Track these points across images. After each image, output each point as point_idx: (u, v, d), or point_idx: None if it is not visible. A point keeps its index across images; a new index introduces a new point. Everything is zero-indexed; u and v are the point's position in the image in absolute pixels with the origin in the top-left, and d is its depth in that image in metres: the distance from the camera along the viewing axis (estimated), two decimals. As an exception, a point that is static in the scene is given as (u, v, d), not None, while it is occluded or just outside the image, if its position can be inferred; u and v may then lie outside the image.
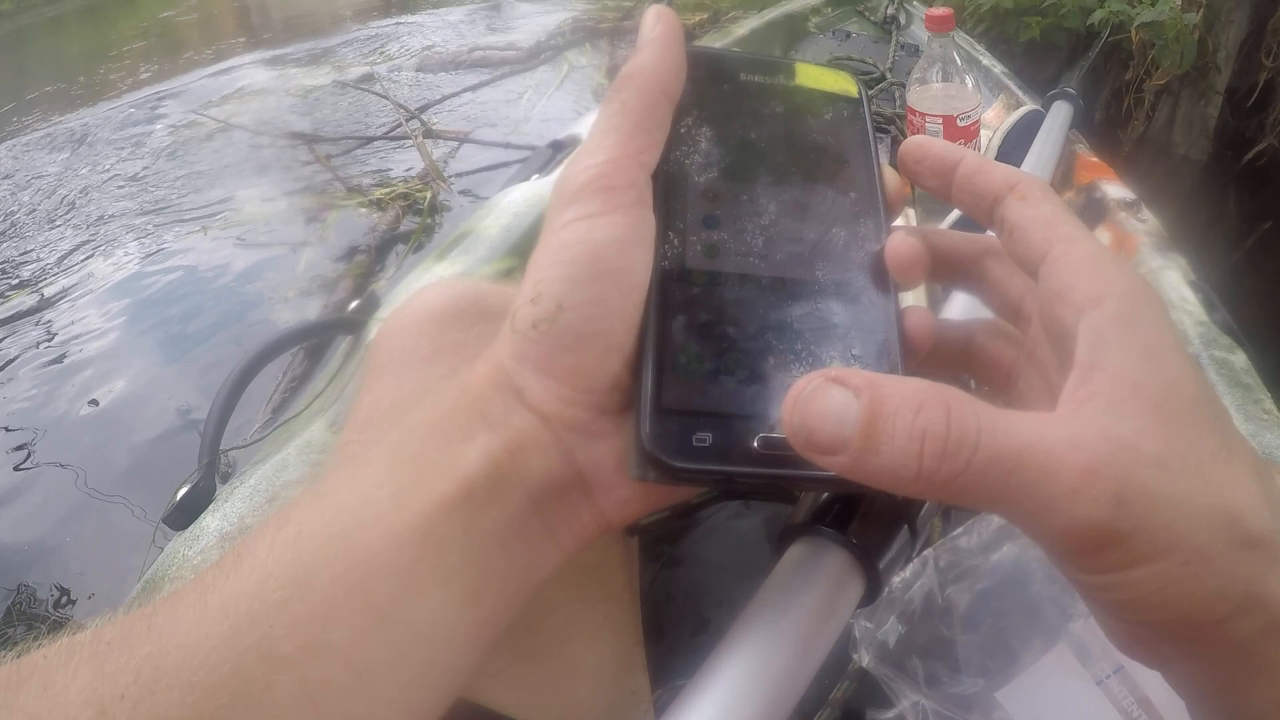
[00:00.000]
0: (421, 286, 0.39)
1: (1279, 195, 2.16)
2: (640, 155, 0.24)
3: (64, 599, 1.41)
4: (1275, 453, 0.53)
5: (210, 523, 0.55)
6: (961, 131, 0.87)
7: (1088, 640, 0.37)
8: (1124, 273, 0.22)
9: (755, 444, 0.22)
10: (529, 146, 1.77)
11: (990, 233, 0.26)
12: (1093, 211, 0.86)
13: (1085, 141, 0.98)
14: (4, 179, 3.20)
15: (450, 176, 2.55)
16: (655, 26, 0.26)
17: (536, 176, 1.01)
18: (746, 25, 1.55)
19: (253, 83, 3.74)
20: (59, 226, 2.70)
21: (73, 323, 2.13)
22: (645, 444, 0.22)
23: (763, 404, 0.23)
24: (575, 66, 3.32)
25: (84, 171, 3.08)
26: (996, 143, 0.90)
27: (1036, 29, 2.58)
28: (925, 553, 0.41)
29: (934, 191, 0.27)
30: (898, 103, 1.19)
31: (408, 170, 2.61)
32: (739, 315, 0.24)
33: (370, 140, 2.86)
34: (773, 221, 0.26)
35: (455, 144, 2.76)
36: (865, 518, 0.26)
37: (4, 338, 2.13)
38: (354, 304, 0.79)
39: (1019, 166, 0.79)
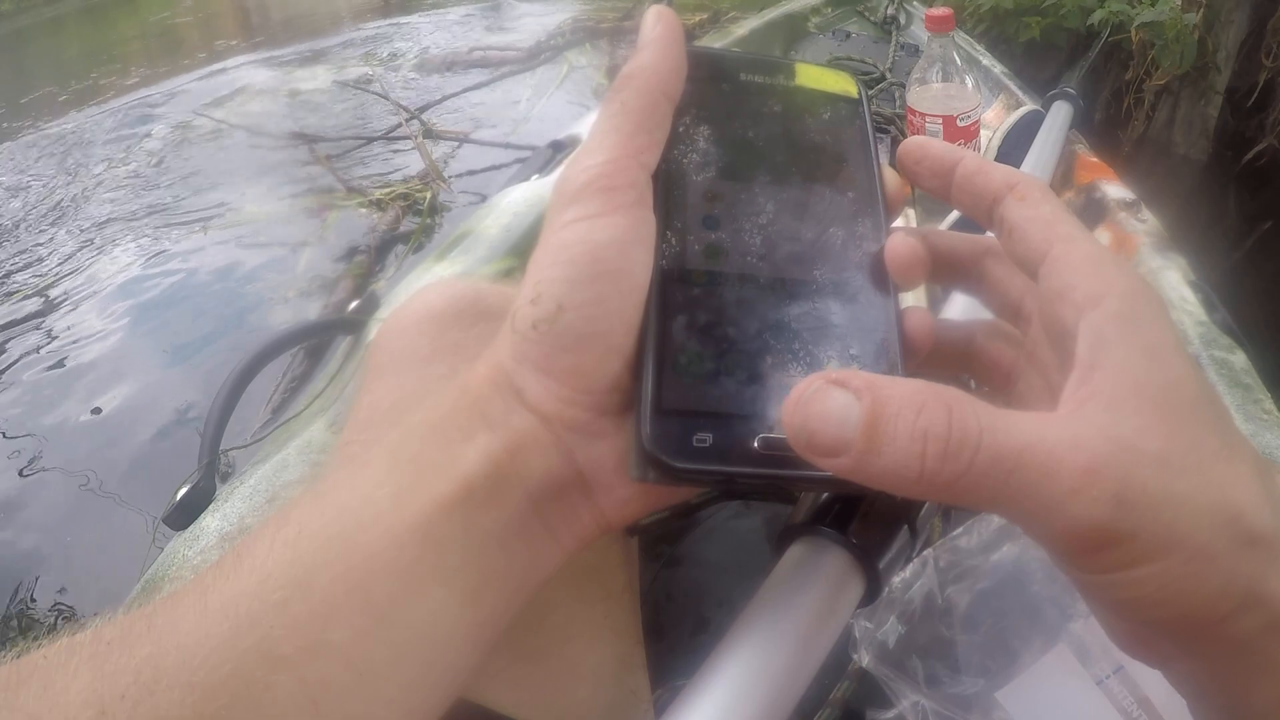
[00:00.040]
0: (421, 286, 0.39)
1: (1279, 195, 2.16)
2: (640, 155, 0.24)
3: (63, 599, 1.41)
4: (1275, 453, 0.53)
5: (210, 523, 0.55)
6: (961, 131, 0.87)
7: (1088, 640, 0.37)
8: (1124, 272, 0.22)
9: (755, 444, 0.22)
10: (529, 146, 1.77)
11: (989, 233, 0.26)
12: (1093, 211, 0.86)
13: (1085, 141, 0.98)
14: (3, 180, 3.20)
15: (450, 177, 2.55)
16: (655, 26, 0.26)
17: (536, 176, 1.01)
18: (746, 25, 1.55)
19: (253, 83, 3.74)
20: (59, 229, 2.70)
21: (70, 327, 2.12)
22: (645, 444, 0.22)
23: (763, 404, 0.23)
24: (575, 66, 3.32)
25: (83, 173, 3.08)
26: (996, 143, 0.90)
27: (1036, 29, 2.58)
28: (925, 553, 0.41)
29: (933, 192, 0.27)
30: (898, 103, 1.19)
31: (405, 169, 2.61)
32: (739, 316, 0.24)
33: (370, 141, 2.86)
34: (773, 222, 0.26)
35: (455, 144, 2.76)
36: (865, 518, 0.26)
37: (5, 341, 2.13)
38: (354, 304, 0.79)
39: (1019, 167, 0.79)
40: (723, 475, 0.23)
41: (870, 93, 1.18)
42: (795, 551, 0.26)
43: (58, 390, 1.91)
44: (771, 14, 1.61)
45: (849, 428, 0.19)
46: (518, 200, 0.91)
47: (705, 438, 0.22)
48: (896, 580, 0.41)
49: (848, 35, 1.62)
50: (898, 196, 0.28)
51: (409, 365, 0.35)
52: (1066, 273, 0.22)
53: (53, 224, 2.73)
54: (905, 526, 0.27)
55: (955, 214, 0.65)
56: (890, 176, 0.28)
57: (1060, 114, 0.91)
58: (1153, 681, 0.36)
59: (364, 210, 2.38)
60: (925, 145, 0.27)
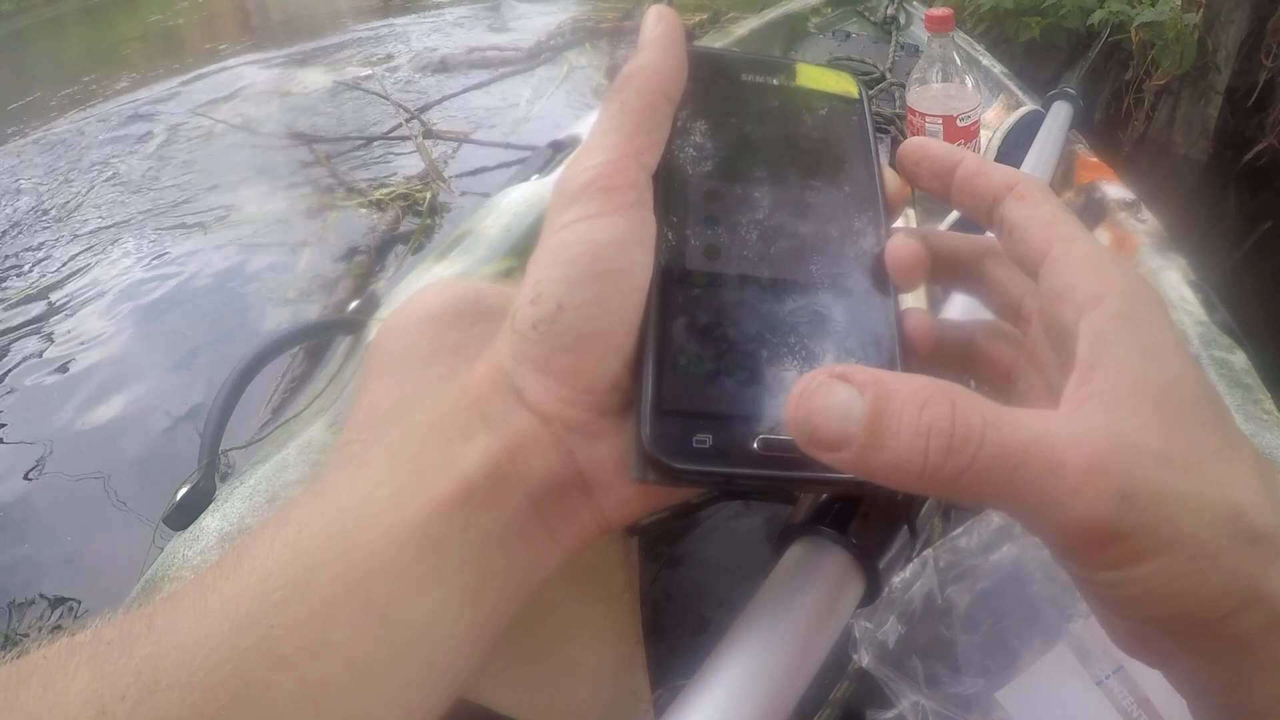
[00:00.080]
0: (421, 286, 0.39)
1: (1279, 195, 2.16)
2: (640, 155, 0.24)
3: (63, 599, 1.41)
4: (1275, 453, 0.53)
5: (210, 523, 0.55)
6: (961, 132, 0.87)
7: (1088, 640, 0.37)
8: (1124, 272, 0.22)
9: (755, 445, 0.22)
10: (529, 146, 1.77)
11: (989, 234, 0.26)
12: (1092, 211, 0.86)
13: (1085, 141, 0.98)
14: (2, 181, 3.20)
15: (450, 177, 2.55)
16: (656, 27, 0.26)
17: (536, 176, 1.01)
18: (746, 25, 1.55)
19: (252, 83, 3.74)
20: (58, 230, 2.69)
21: (70, 331, 2.12)
22: (645, 445, 0.22)
23: (763, 405, 0.23)
24: (575, 66, 3.32)
25: (82, 175, 3.08)
26: (996, 143, 0.90)
27: (1036, 29, 2.58)
28: (925, 553, 0.41)
29: (933, 193, 0.27)
30: (897, 103, 1.19)
31: (405, 169, 2.61)
32: (739, 316, 0.24)
33: (370, 140, 2.86)
34: (773, 222, 0.26)
35: (455, 144, 2.76)
36: (865, 518, 0.26)
37: (8, 344, 2.13)
38: (354, 304, 0.79)
39: (1019, 167, 0.79)
40: (722, 476, 0.23)
41: (870, 93, 1.18)
42: (795, 551, 0.26)
43: (59, 391, 1.91)
44: (771, 14, 1.61)
45: (852, 422, 0.19)
46: (518, 200, 0.91)
47: (705, 438, 0.22)
48: (896, 580, 0.41)
49: (848, 35, 1.62)
50: (898, 197, 0.28)
51: (409, 365, 0.35)
52: (1067, 272, 0.22)
53: (52, 226, 2.73)
54: (905, 526, 0.27)
55: (955, 214, 0.65)
56: (890, 177, 0.28)
57: (1060, 114, 0.91)
58: (1153, 681, 0.36)
59: (364, 210, 2.38)
60: (925, 146, 0.27)
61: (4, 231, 2.77)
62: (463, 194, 2.44)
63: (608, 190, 0.23)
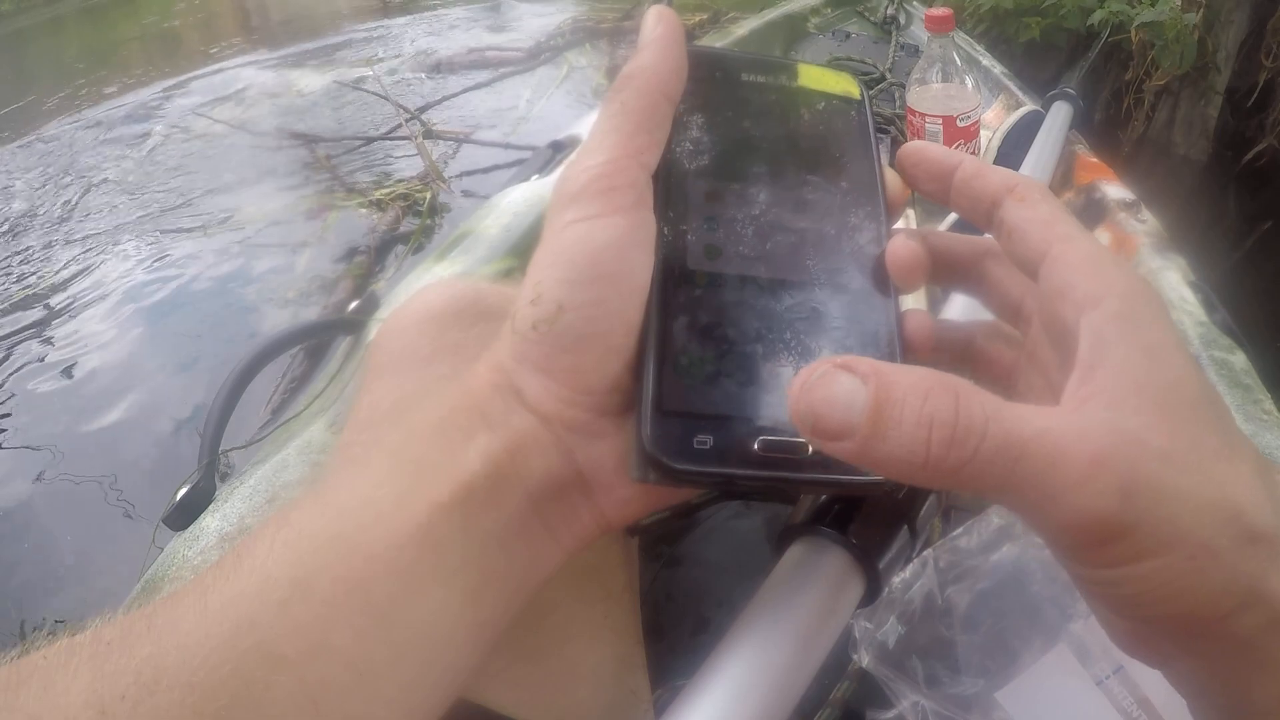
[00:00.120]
0: (421, 287, 0.39)
1: (1279, 195, 2.16)
2: (640, 155, 0.24)
3: (63, 599, 1.41)
4: (1275, 453, 0.53)
5: (210, 523, 0.55)
6: (961, 132, 0.87)
7: (1088, 640, 0.37)
8: (1124, 272, 0.22)
9: (756, 446, 0.22)
10: (529, 147, 1.77)
11: (988, 235, 0.26)
12: (1092, 212, 0.86)
13: (1085, 142, 0.98)
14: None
15: (450, 177, 2.54)
16: (656, 27, 0.26)
17: (536, 177, 1.01)
18: (746, 25, 1.55)
19: (252, 84, 3.74)
20: (53, 233, 2.69)
21: (74, 333, 2.12)
22: (646, 445, 0.22)
23: (764, 406, 0.23)
24: (575, 67, 3.32)
25: (81, 176, 3.08)
26: (996, 143, 0.90)
27: (1036, 29, 2.59)
28: (925, 553, 0.41)
29: (931, 196, 0.27)
30: (897, 103, 1.19)
31: (405, 170, 2.61)
32: (740, 317, 0.24)
33: (370, 141, 2.86)
34: (773, 223, 0.26)
35: (455, 144, 2.76)
36: (865, 518, 0.26)
37: (11, 347, 2.13)
38: (354, 304, 0.79)
39: (1019, 167, 0.79)
40: (723, 477, 0.23)
41: (870, 93, 1.18)
42: (795, 551, 0.27)
43: (60, 394, 1.91)
44: (771, 14, 1.61)
45: (854, 412, 0.19)
46: (518, 200, 0.91)
47: (706, 439, 0.22)
48: (896, 580, 0.41)
49: (848, 35, 1.62)
50: (899, 198, 0.28)
51: (409, 365, 0.35)
52: (1066, 272, 0.22)
53: (49, 228, 2.73)
54: (905, 526, 0.27)
55: (954, 215, 0.65)
56: (891, 178, 0.28)
57: (1060, 114, 0.91)
58: (1153, 681, 0.36)
59: (364, 210, 2.38)
60: (922, 149, 0.27)
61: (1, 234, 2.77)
62: (463, 194, 2.44)
63: (607, 191, 0.23)
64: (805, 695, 0.24)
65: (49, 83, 4.52)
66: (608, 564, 0.37)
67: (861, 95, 0.30)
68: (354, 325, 0.75)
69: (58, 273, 2.43)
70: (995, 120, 1.07)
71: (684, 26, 0.27)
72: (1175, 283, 0.72)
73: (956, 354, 0.29)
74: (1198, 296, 0.70)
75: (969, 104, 0.87)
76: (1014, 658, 0.38)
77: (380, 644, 0.20)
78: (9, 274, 2.49)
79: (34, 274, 2.46)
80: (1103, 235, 0.82)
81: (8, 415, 1.86)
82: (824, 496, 0.27)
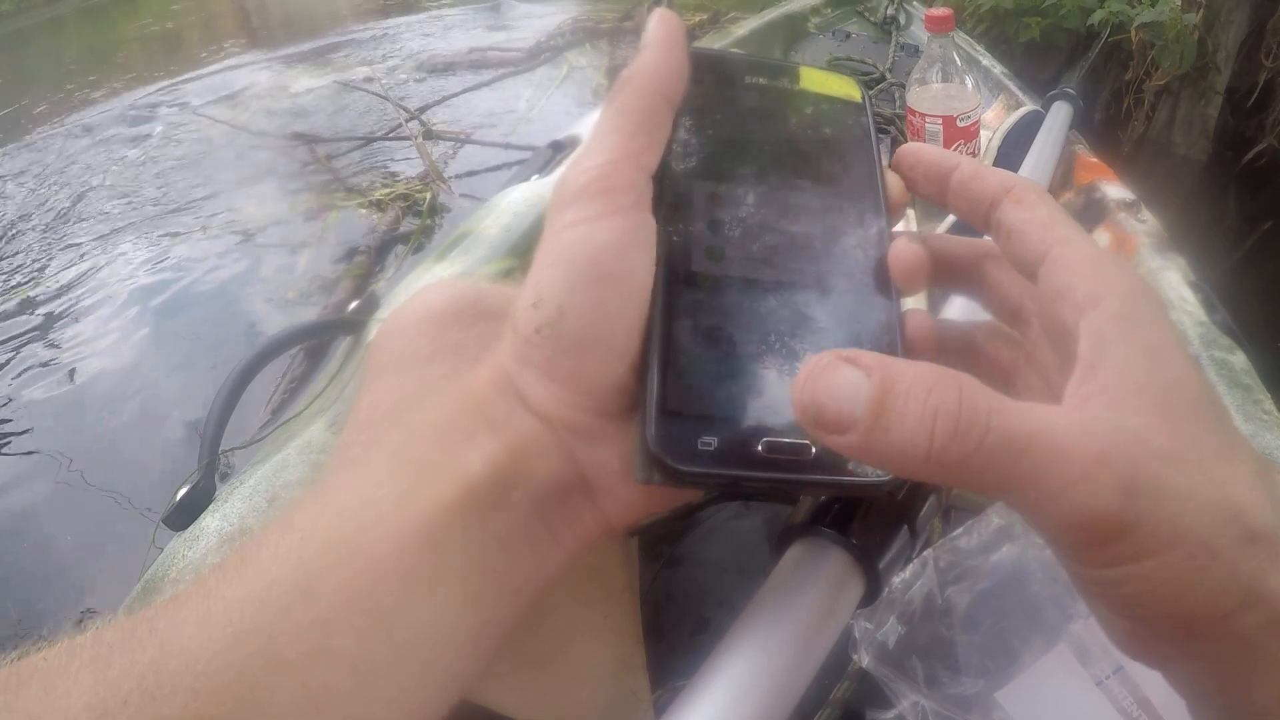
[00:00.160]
0: (421, 287, 0.39)
1: (1279, 195, 2.16)
2: (640, 157, 0.24)
3: (63, 599, 1.41)
4: (1275, 453, 0.53)
5: (210, 523, 0.55)
6: (961, 132, 0.87)
7: (1088, 641, 0.37)
8: (1123, 273, 0.22)
9: (760, 447, 0.22)
10: (529, 147, 1.77)
11: (987, 237, 0.26)
12: (1092, 212, 0.86)
13: (1085, 142, 0.98)
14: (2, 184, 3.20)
15: (450, 177, 2.54)
16: (657, 28, 0.26)
17: (536, 177, 1.01)
18: (746, 26, 1.55)
19: (252, 84, 3.74)
20: (55, 233, 2.69)
21: (76, 335, 2.12)
22: (650, 447, 0.22)
23: (767, 407, 0.23)
24: (575, 67, 3.32)
25: (80, 176, 3.08)
26: (996, 143, 0.90)
27: (1036, 29, 2.59)
28: (925, 553, 0.41)
29: (929, 198, 0.27)
30: (897, 103, 1.19)
31: (405, 170, 2.61)
32: (742, 318, 0.24)
33: (370, 141, 2.86)
34: (775, 225, 0.26)
35: (455, 145, 2.76)
36: (865, 518, 0.26)
37: (14, 350, 2.13)
38: (354, 304, 0.79)
39: (1018, 167, 0.79)
40: (727, 478, 0.23)
41: (870, 93, 1.17)
42: (795, 552, 0.27)
43: (60, 393, 1.91)
44: (771, 14, 1.61)
45: (858, 405, 0.19)
46: (518, 200, 0.91)
47: (710, 441, 0.22)
48: (896, 580, 0.41)
49: (848, 35, 1.62)
50: (900, 200, 0.28)
51: (409, 365, 0.35)
52: (1066, 273, 0.22)
53: (49, 229, 2.73)
54: (905, 527, 0.27)
55: (953, 217, 0.65)
56: (893, 180, 0.28)
57: (1060, 114, 0.91)
58: (1153, 682, 0.36)
59: (364, 211, 2.38)
60: (919, 152, 0.27)
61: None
62: (463, 195, 2.44)
63: (607, 192, 0.23)
64: (805, 695, 0.24)
65: (49, 83, 4.52)
66: (608, 564, 0.37)
67: (863, 99, 0.30)
68: (354, 325, 0.75)
69: (56, 275, 2.43)
70: (995, 120, 1.07)
71: (685, 28, 0.27)
72: (1175, 283, 0.72)
73: (957, 354, 0.29)
74: (1198, 296, 0.70)
75: (969, 104, 0.87)
76: (1014, 658, 0.38)
77: (382, 646, 0.20)
78: (8, 280, 2.49)
79: (30, 279, 2.45)
80: (1103, 235, 0.83)
81: (8, 421, 1.86)
82: (824, 496, 0.27)
